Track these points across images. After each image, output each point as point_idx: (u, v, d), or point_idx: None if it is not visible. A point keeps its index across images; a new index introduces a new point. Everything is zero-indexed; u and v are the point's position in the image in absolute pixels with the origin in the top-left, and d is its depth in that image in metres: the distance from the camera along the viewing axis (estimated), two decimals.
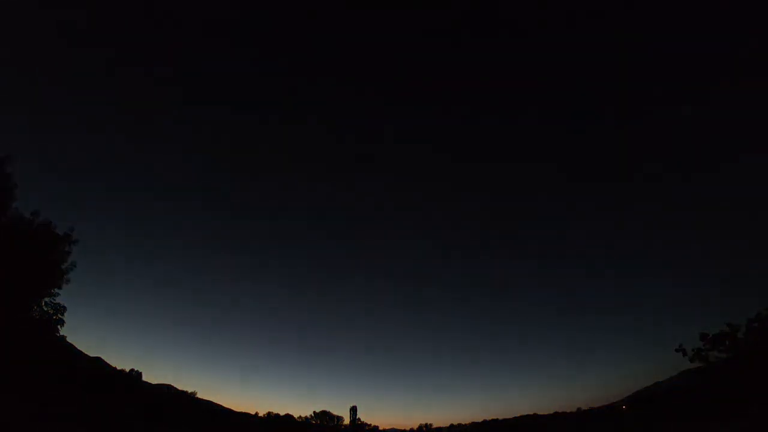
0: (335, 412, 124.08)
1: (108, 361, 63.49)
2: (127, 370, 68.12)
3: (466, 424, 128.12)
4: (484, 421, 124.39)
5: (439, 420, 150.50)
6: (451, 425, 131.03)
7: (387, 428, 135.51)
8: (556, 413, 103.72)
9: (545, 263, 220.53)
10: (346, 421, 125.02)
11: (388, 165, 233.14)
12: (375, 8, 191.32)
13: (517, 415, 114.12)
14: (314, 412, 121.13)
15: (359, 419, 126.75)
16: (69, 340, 53.14)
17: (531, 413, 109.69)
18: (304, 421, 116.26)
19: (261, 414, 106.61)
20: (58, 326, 38.85)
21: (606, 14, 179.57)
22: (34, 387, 31.60)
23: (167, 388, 75.91)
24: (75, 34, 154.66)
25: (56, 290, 37.53)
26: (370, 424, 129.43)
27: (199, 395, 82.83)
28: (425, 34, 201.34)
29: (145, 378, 71.87)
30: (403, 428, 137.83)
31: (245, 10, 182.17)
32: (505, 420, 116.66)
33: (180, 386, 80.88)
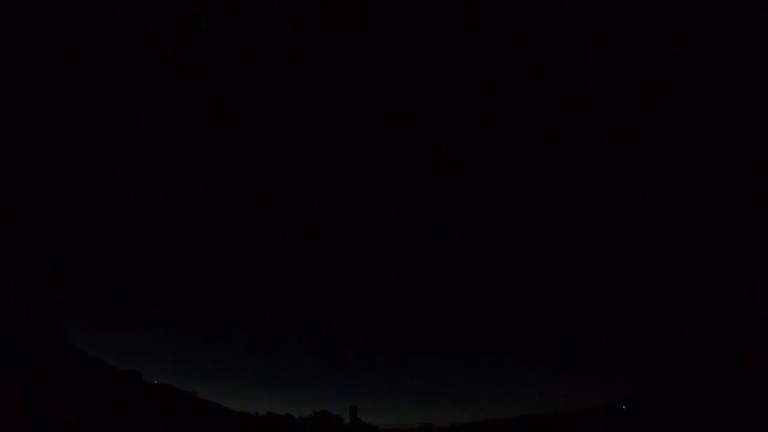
0: (335, 412, 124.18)
1: (108, 361, 63.55)
2: (127, 370, 68.15)
3: (466, 424, 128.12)
4: (485, 421, 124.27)
5: (439, 420, 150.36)
6: (452, 425, 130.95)
7: (387, 428, 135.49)
8: (556, 413, 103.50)
9: (544, 262, 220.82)
10: (346, 421, 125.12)
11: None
12: None
13: (517, 415, 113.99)
14: (314, 412, 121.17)
15: (359, 419, 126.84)
16: (69, 340, 53.20)
17: (531, 413, 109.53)
18: (304, 421, 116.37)
19: (261, 414, 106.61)
20: (58, 326, 38.95)
21: None
22: (34, 387, 31.61)
23: (167, 389, 75.92)
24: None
25: (56, 290, 37.64)
26: (370, 424, 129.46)
27: (200, 395, 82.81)
28: None
29: (145, 378, 71.94)
30: (403, 428, 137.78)
31: None
32: (505, 420, 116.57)
33: (180, 386, 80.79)
